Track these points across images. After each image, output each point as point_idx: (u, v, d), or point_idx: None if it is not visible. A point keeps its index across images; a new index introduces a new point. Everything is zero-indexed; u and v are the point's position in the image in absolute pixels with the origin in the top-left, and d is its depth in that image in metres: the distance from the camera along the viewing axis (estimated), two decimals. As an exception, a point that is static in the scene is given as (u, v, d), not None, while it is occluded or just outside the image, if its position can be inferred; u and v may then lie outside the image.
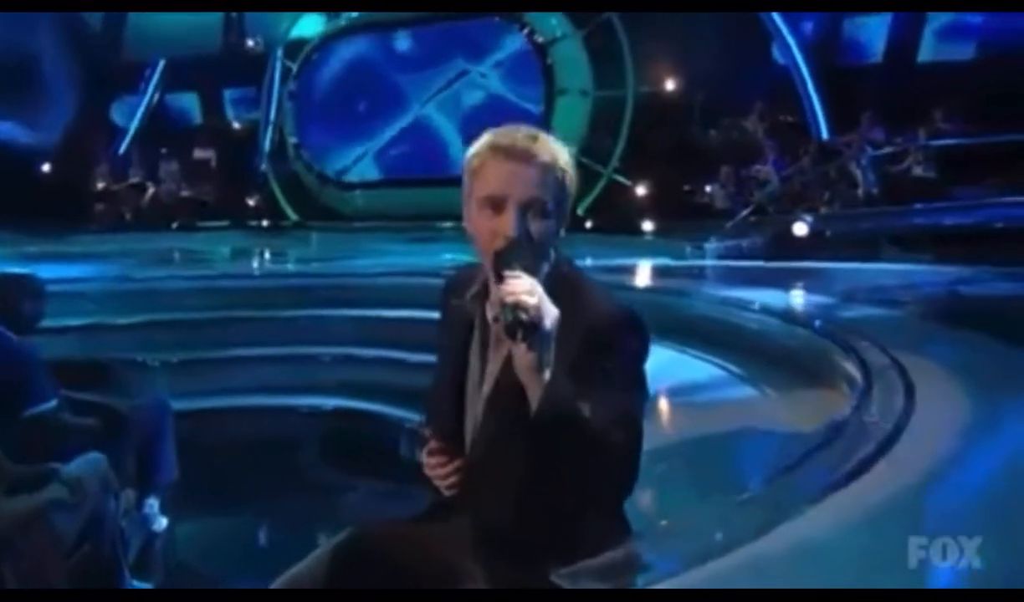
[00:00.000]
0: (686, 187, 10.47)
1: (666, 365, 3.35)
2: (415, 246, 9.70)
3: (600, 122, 10.72)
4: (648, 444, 1.26)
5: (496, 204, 1.19)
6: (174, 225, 11.84)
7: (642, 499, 1.87)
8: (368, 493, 3.73)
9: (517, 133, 1.22)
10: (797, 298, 5.18)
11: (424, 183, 11.94)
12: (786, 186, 9.07)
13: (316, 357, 4.89)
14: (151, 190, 12.43)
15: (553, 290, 1.18)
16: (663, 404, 3.07)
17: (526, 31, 11.09)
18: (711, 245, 7.33)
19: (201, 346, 4.93)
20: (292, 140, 12.80)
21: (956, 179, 7.30)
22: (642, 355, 1.22)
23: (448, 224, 11.42)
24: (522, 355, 1.10)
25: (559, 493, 1.17)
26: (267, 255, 9.44)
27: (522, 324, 1.09)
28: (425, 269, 7.00)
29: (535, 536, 1.21)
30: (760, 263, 6.74)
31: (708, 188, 10.16)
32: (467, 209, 1.24)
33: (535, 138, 1.22)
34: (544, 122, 11.08)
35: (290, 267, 8.11)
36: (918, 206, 7.02)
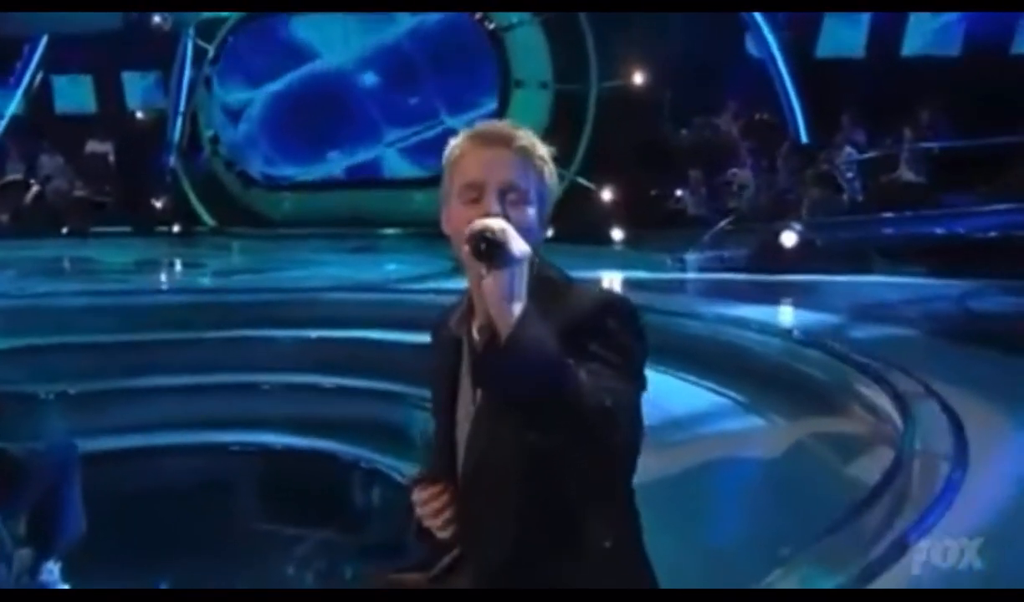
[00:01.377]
0: (655, 192, 10.61)
1: (659, 393, 3.29)
2: (355, 256, 9.51)
3: (561, 119, 10.76)
4: (644, 482, 1.29)
5: (475, 191, 1.24)
6: (64, 230, 11.28)
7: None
8: (318, 548, 3.54)
9: (489, 123, 1.31)
10: (798, 315, 5.29)
11: (365, 184, 11.76)
12: (765, 191, 9.25)
13: (249, 386, 4.70)
14: (35, 188, 11.81)
15: (536, 292, 1.22)
16: (658, 437, 3.01)
17: (478, 16, 11.06)
18: (691, 256, 7.39)
19: (105, 375, 4.66)
20: (208, 133, 12.40)
21: (948, 184, 7.56)
22: (634, 346, 1.25)
23: (391, 231, 11.34)
24: (490, 284, 1.16)
25: (559, 502, 1.22)
26: (179, 267, 9.12)
27: (488, 242, 1.14)
28: (371, 283, 6.88)
29: (541, 561, 1.24)
30: (748, 276, 6.86)
31: (680, 192, 10.31)
32: (446, 210, 1.29)
33: (515, 127, 1.30)
34: (498, 116, 11.11)
35: (207, 281, 7.83)
36: (909, 214, 7.24)
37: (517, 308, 1.14)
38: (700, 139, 10.76)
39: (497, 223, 1.17)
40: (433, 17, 11.26)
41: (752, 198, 9.52)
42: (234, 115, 12.37)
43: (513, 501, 1.24)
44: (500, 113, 10.93)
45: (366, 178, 11.91)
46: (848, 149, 8.95)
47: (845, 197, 8.54)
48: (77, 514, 2.88)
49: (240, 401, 4.63)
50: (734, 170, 10.06)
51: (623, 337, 1.23)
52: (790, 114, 10.54)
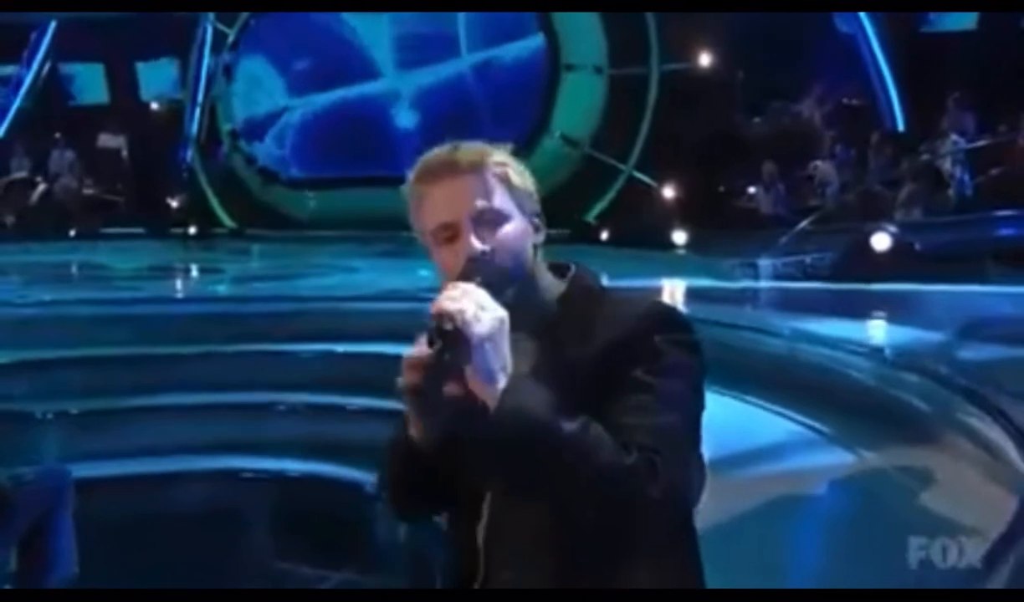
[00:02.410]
0: (723, 188, 10.47)
1: (723, 422, 3.21)
2: (386, 261, 9.57)
3: (617, 107, 10.70)
4: (704, 528, 1.27)
5: (447, 230, 1.28)
6: (73, 232, 11.63)
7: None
8: (342, 586, 3.54)
9: (431, 155, 1.32)
10: (891, 331, 5.15)
11: (397, 181, 11.81)
12: (853, 187, 9.06)
13: (269, 406, 4.74)
14: (41, 187, 12.22)
15: (570, 301, 1.28)
16: (720, 474, 2.91)
17: (525, -6, 11.08)
18: (765, 262, 7.25)
19: (111, 392, 4.75)
20: (227, 126, 12.69)
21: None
22: (685, 366, 1.23)
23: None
24: (468, 372, 1.16)
25: (598, 561, 1.22)
26: (194, 272, 9.30)
27: (442, 333, 1.13)
28: (403, 291, 6.93)
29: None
30: (832, 285, 6.70)
31: (752, 189, 10.17)
32: (431, 254, 1.33)
33: (454, 148, 1.31)
34: (546, 105, 11.11)
35: (224, 289, 7.98)
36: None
37: (497, 382, 1.15)
38: (777, 128, 10.62)
39: (453, 304, 1.15)
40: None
41: (837, 195, 9.34)
42: (255, 106, 12.63)
43: (543, 562, 1.24)
44: (548, 102, 10.94)
45: (398, 175, 11.98)
46: (954, 137, 8.68)
47: (950, 193, 8.30)
48: (69, 550, 2.92)
49: (257, 423, 4.68)
50: (816, 163, 9.89)
51: (671, 356, 1.21)
52: (884, 97, 10.33)
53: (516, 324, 1.19)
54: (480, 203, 1.26)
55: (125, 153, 12.86)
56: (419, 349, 1.16)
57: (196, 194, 12.49)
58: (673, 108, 10.34)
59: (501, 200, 1.27)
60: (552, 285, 1.31)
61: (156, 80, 13.48)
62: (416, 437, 1.27)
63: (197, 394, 4.79)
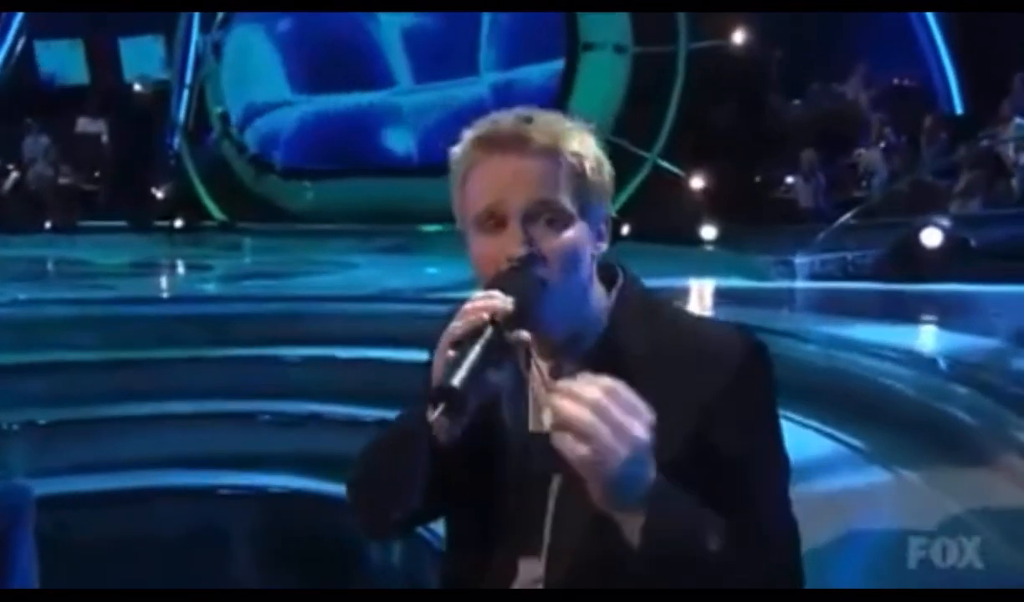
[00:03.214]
0: (758, 178, 10.43)
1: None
2: (390, 257, 9.62)
3: (641, 89, 10.66)
4: None
5: (494, 218, 1.17)
6: (48, 225, 11.74)
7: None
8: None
9: (503, 117, 1.20)
10: (941, 338, 5.11)
11: (402, 170, 11.92)
12: (902, 176, 9.00)
13: (254, 416, 4.75)
14: (13, 175, 12.34)
15: (625, 323, 1.18)
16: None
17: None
18: (802, 260, 7.22)
19: (84, 401, 4.75)
20: (218, 110, 12.77)
21: None
22: (776, 407, 1.19)
23: (433, 227, 11.42)
24: (597, 491, 1.03)
25: None
26: (180, 269, 9.33)
27: (448, 404, 1.04)
28: (407, 291, 6.94)
29: None
30: (876, 285, 6.67)
31: (789, 179, 10.13)
32: (468, 239, 1.23)
33: (528, 119, 1.19)
34: (563, 87, 11.11)
35: (213, 287, 8.01)
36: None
37: (636, 502, 1.01)
38: (817, 111, 10.57)
39: (458, 380, 1.01)
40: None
41: (884, 185, 9.28)
42: (249, 89, 12.70)
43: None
44: (564, 83, 10.92)
45: (403, 163, 12.07)
46: (1018, 120, 8.60)
47: (1013, 183, 8.22)
48: (29, 572, 2.92)
49: (247, 434, 4.70)
50: (860, 150, 9.84)
51: (774, 410, 1.16)
52: (939, 76, 10.27)
53: (559, 349, 1.16)
54: (542, 195, 1.15)
55: (105, 138, 12.95)
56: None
57: (183, 184, 12.57)
58: (702, 90, 10.30)
59: (568, 196, 1.16)
60: (600, 299, 1.21)
61: (140, 58, 13.57)
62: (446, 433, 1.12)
63: (179, 403, 4.81)
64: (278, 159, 12.56)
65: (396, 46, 11.97)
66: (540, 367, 1.19)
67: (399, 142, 12.27)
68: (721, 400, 1.12)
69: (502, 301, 1.08)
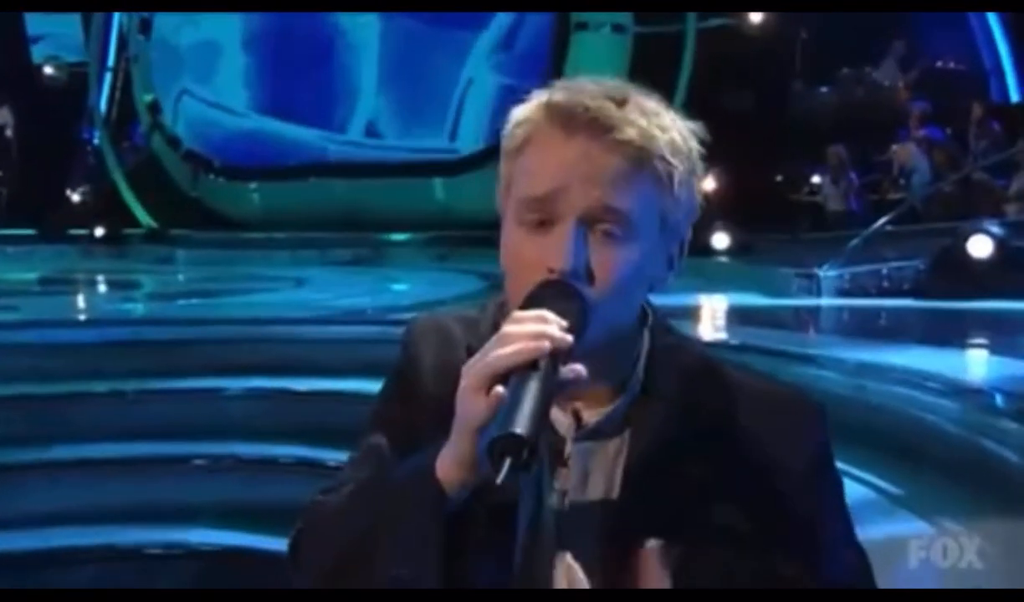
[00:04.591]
0: (779, 177, 10.52)
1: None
2: (352, 272, 9.62)
3: (643, 74, 10.66)
4: None
5: (543, 211, 1.08)
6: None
7: None
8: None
9: (593, 87, 1.10)
10: (991, 364, 5.14)
11: (367, 170, 11.95)
12: (946, 175, 9.09)
13: (188, 460, 4.75)
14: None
15: (664, 369, 1.12)
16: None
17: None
18: (829, 273, 7.28)
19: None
20: (147, 98, 12.77)
21: None
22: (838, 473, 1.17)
23: (402, 236, 11.46)
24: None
25: None
26: (101, 287, 9.33)
27: (515, 459, 0.93)
28: (371, 311, 6.95)
29: None
30: (914, 303, 6.73)
31: (815, 178, 10.22)
32: (504, 226, 1.13)
33: (621, 100, 1.08)
34: (553, 71, 11.17)
35: (140, 308, 8.01)
36: None
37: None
38: (848, 99, 10.67)
39: (525, 426, 0.92)
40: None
41: (926, 186, 9.36)
42: (183, 71, 12.71)
43: None
44: (555, 67, 10.99)
45: (368, 161, 12.11)
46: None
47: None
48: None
49: (179, 483, 4.69)
50: (898, 144, 9.92)
51: (838, 480, 1.15)
52: (990, 59, 10.35)
53: (583, 395, 1.09)
54: (610, 198, 1.06)
55: (10, 132, 12.92)
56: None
57: (104, 185, 12.55)
58: (714, 75, 10.41)
59: (645, 210, 1.08)
60: (638, 340, 1.14)
61: (52, 37, 13.54)
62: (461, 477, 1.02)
63: (100, 446, 4.80)
64: (219, 156, 12.57)
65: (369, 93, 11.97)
66: (553, 416, 1.10)
67: (362, 137, 12.31)
68: (784, 466, 1.10)
69: (560, 328, 1.00)
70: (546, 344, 0.98)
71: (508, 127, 1.12)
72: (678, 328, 1.19)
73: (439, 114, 11.85)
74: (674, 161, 1.09)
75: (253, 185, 12.52)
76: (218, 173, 12.58)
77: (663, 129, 1.09)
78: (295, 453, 4.68)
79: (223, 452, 4.79)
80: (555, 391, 0.99)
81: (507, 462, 0.93)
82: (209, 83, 12.66)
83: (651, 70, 10.66)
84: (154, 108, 12.75)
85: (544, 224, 1.07)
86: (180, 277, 10.35)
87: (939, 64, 10.72)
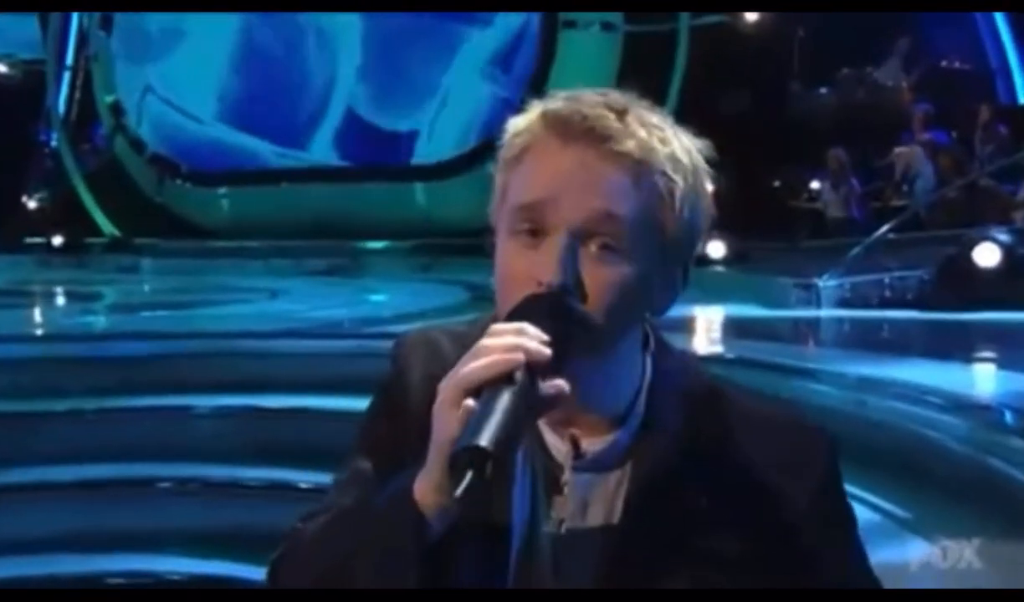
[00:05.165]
0: (776, 182, 10.55)
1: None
2: (326, 283, 9.60)
3: (634, 74, 10.79)
4: None
5: (534, 220, 1.08)
6: None
7: None
8: None
9: (593, 97, 1.10)
10: (1000, 379, 5.15)
11: (343, 175, 11.94)
12: (952, 180, 9.13)
13: (152, 483, 4.75)
14: None
15: (666, 401, 1.12)
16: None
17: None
18: (829, 283, 7.31)
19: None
20: (108, 98, 12.74)
21: None
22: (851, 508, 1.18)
23: (380, 244, 11.44)
24: None
25: None
26: (61, 299, 9.26)
27: (475, 465, 0.92)
28: (347, 324, 6.93)
29: None
30: (918, 314, 6.74)
31: (815, 184, 10.26)
32: (497, 239, 1.13)
33: (622, 110, 1.08)
34: (540, 72, 11.22)
35: (102, 321, 7.97)
36: None
37: None
38: (849, 101, 10.73)
39: (489, 438, 0.93)
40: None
41: (930, 191, 9.41)
42: (148, 70, 12.69)
43: None
44: (542, 68, 11.04)
45: (344, 166, 12.10)
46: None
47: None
48: None
49: (143, 508, 4.69)
50: (900, 148, 9.97)
51: (850, 514, 1.16)
52: (997, 59, 10.41)
53: (577, 422, 1.10)
54: (606, 208, 1.06)
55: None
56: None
57: (63, 191, 12.50)
58: (708, 75, 10.47)
59: (643, 227, 1.08)
60: (639, 365, 1.14)
61: (5, 32, 13.47)
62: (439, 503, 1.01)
63: (60, 468, 4.79)
64: (186, 160, 12.55)
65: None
66: (549, 442, 1.12)
67: (338, 139, 12.30)
68: (791, 497, 1.11)
69: (538, 341, 1.00)
70: (520, 356, 0.98)
71: (506, 137, 1.13)
72: (680, 349, 1.19)
73: (421, 117, 11.87)
74: (675, 177, 1.09)
75: (223, 190, 12.50)
76: (185, 178, 12.55)
77: (664, 142, 1.09)
78: (267, 476, 4.68)
79: (190, 475, 4.78)
80: (535, 407, 0.98)
81: (468, 476, 0.92)
82: (175, 83, 12.63)
83: (642, 70, 10.72)
84: (116, 109, 12.73)
85: (535, 235, 1.07)
86: (145, 288, 10.32)
87: (943, 64, 10.77)
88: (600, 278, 1.06)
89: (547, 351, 0.99)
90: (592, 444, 1.11)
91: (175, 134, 12.69)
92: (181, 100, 12.69)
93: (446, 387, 1.00)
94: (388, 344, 1.23)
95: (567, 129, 1.07)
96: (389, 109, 11.94)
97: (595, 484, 1.10)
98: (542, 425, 1.11)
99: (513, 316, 1.04)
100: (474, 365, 0.99)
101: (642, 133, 1.08)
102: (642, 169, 1.07)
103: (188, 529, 4.49)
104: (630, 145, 1.07)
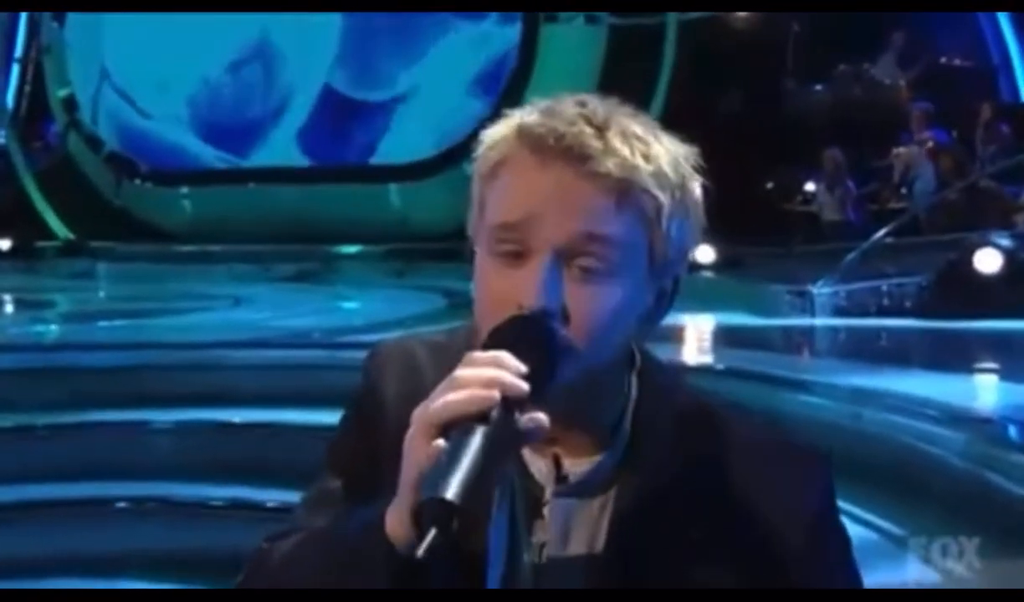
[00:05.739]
0: (769, 183, 10.59)
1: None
2: (295, 289, 9.58)
3: (620, 70, 10.84)
4: None
5: (516, 241, 1.08)
6: None
7: None
8: None
9: (571, 109, 1.09)
10: (1003, 391, 5.17)
11: (313, 175, 11.90)
12: (952, 182, 9.18)
13: (109, 503, 4.73)
14: None
15: (654, 423, 1.13)
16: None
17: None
18: (823, 290, 7.35)
19: None
20: (61, 93, 12.68)
21: None
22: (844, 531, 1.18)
23: (353, 248, 11.40)
24: None
25: None
26: (9, 306, 9.21)
27: (441, 525, 0.91)
28: (317, 333, 6.91)
29: None
30: (918, 323, 6.77)
31: (809, 186, 10.31)
32: (477, 255, 1.14)
33: (601, 126, 1.07)
34: (520, 69, 11.24)
35: (54, 330, 7.94)
36: None
37: None
38: (845, 99, 10.77)
39: (455, 491, 0.92)
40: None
41: (930, 193, 9.46)
42: (104, 63, 12.63)
43: None
44: (524, 64, 11.06)
45: (315, 165, 12.07)
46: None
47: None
48: None
49: (98, 528, 4.68)
50: (898, 149, 10.02)
51: (844, 553, 1.16)
52: (999, 55, 10.47)
53: (562, 447, 1.10)
54: (589, 228, 1.07)
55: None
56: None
57: (13, 191, 12.43)
58: (698, 71, 10.51)
59: (627, 247, 1.08)
60: (625, 387, 1.15)
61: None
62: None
63: (5, 488, 4.75)
64: (146, 159, 12.49)
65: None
66: (530, 462, 1.12)
67: (309, 136, 12.26)
68: (783, 524, 1.11)
69: (516, 373, 0.99)
70: (495, 394, 0.97)
71: (480, 149, 1.12)
72: (670, 365, 1.20)
73: (394, 115, 11.86)
74: (660, 195, 1.08)
75: (185, 191, 12.45)
76: (145, 178, 12.50)
77: (647, 158, 1.08)
78: (231, 494, 4.68)
79: (149, 494, 4.77)
80: (511, 442, 0.99)
81: (431, 534, 0.90)
82: (134, 76, 12.58)
83: (628, 66, 10.76)
84: (70, 104, 12.67)
85: (518, 256, 1.07)
86: (101, 295, 10.28)
87: (944, 60, 10.82)
88: (584, 300, 1.06)
89: (524, 386, 0.99)
90: (575, 466, 1.11)
91: (134, 131, 12.63)
92: (140, 95, 12.63)
93: (418, 418, 0.99)
94: (361, 355, 1.23)
95: (542, 147, 1.07)
96: (362, 110, 11.91)
97: (578, 509, 1.10)
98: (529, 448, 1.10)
99: (493, 339, 1.04)
100: (447, 400, 0.98)
101: (624, 150, 1.07)
102: (623, 187, 1.07)
103: (147, 552, 4.46)
104: (610, 165, 1.06)
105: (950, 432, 4.26)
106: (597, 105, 1.09)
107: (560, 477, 1.11)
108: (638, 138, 1.08)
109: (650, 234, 1.09)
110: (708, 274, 9.04)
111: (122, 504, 4.75)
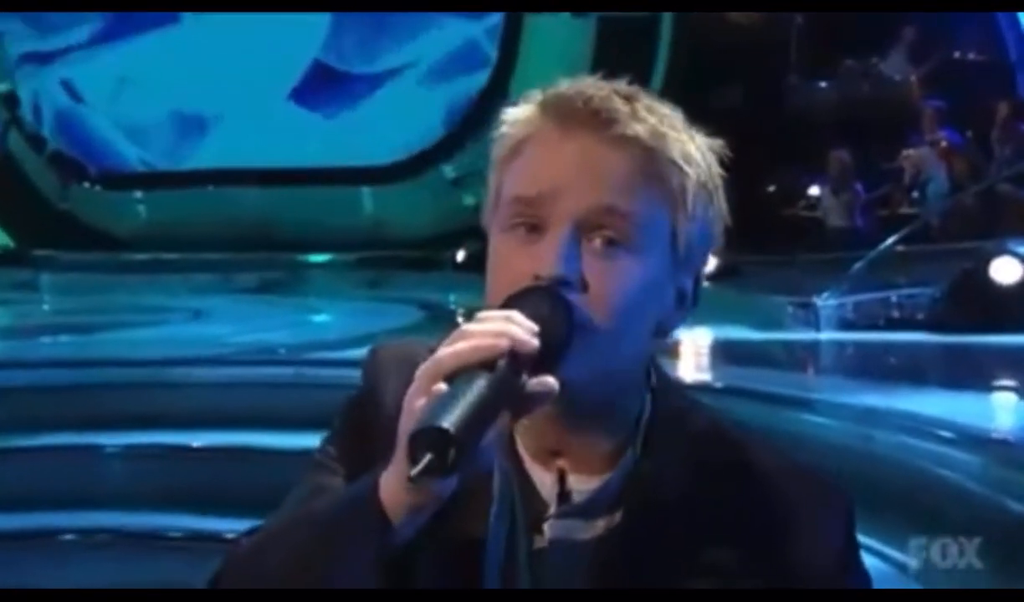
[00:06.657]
0: (771, 187, 10.63)
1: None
2: (260, 301, 9.55)
3: (609, 66, 10.74)
4: None
5: (532, 214, 1.10)
6: None
7: None
8: None
9: (597, 87, 1.12)
10: (1018, 411, 5.22)
11: (279, 177, 11.88)
12: (966, 186, 9.22)
13: (56, 535, 4.72)
14: None
15: (669, 440, 1.14)
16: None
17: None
18: (829, 301, 7.38)
19: None
20: (1, 88, 12.66)
21: None
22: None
23: (322, 257, 11.35)
24: None
25: None
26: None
27: (434, 450, 0.94)
28: (283, 349, 6.90)
29: None
30: (929, 337, 6.79)
31: (813, 189, 10.35)
32: (491, 235, 1.15)
33: (629, 98, 1.11)
34: (501, 65, 11.26)
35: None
36: None
37: None
38: (852, 96, 10.82)
39: (454, 421, 0.95)
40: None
41: (942, 198, 9.51)
42: (49, 56, 12.62)
43: None
44: (505, 59, 11.09)
45: (281, 167, 12.06)
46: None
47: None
48: None
49: (46, 561, 4.65)
50: (909, 150, 10.07)
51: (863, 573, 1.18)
52: (1017, 50, 10.54)
53: (566, 444, 1.11)
54: (610, 199, 1.09)
55: None
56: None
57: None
58: (693, 68, 10.54)
59: (652, 221, 1.10)
60: (640, 397, 1.16)
61: None
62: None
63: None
64: (94, 160, 12.47)
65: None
66: (534, 476, 1.14)
67: (275, 135, 12.24)
68: (801, 563, 1.12)
69: (526, 329, 1.01)
70: (504, 342, 0.99)
71: (499, 130, 1.14)
72: (687, 385, 1.22)
73: (368, 112, 11.87)
74: (688, 169, 1.11)
75: (138, 195, 12.44)
76: (94, 180, 12.48)
77: (676, 130, 1.11)
78: (187, 525, 4.66)
79: (99, 524, 4.75)
80: (516, 403, 1.00)
81: (426, 458, 0.94)
82: (81, 71, 12.56)
83: (619, 60, 10.78)
84: (10, 100, 12.65)
85: (534, 230, 1.09)
86: (44, 308, 10.22)
87: (957, 55, 10.87)
88: (603, 272, 1.07)
89: (534, 341, 1.01)
90: (581, 483, 1.12)
91: (80, 129, 12.60)
92: (88, 90, 12.61)
93: (420, 373, 1.01)
94: (331, 372, 1.26)
95: (569, 114, 1.09)
96: (339, 106, 11.95)
97: (581, 530, 1.11)
98: (527, 456, 1.13)
99: (505, 305, 1.05)
100: (452, 349, 1.00)
101: (652, 119, 1.10)
102: (651, 156, 1.09)
103: (97, 588, 4.44)
104: (639, 129, 1.09)
105: (966, 455, 4.29)
106: (629, 86, 1.13)
107: (564, 494, 1.12)
108: (666, 114, 1.12)
109: (673, 215, 1.11)
110: (706, 284, 9.06)
111: (70, 536, 4.73)
